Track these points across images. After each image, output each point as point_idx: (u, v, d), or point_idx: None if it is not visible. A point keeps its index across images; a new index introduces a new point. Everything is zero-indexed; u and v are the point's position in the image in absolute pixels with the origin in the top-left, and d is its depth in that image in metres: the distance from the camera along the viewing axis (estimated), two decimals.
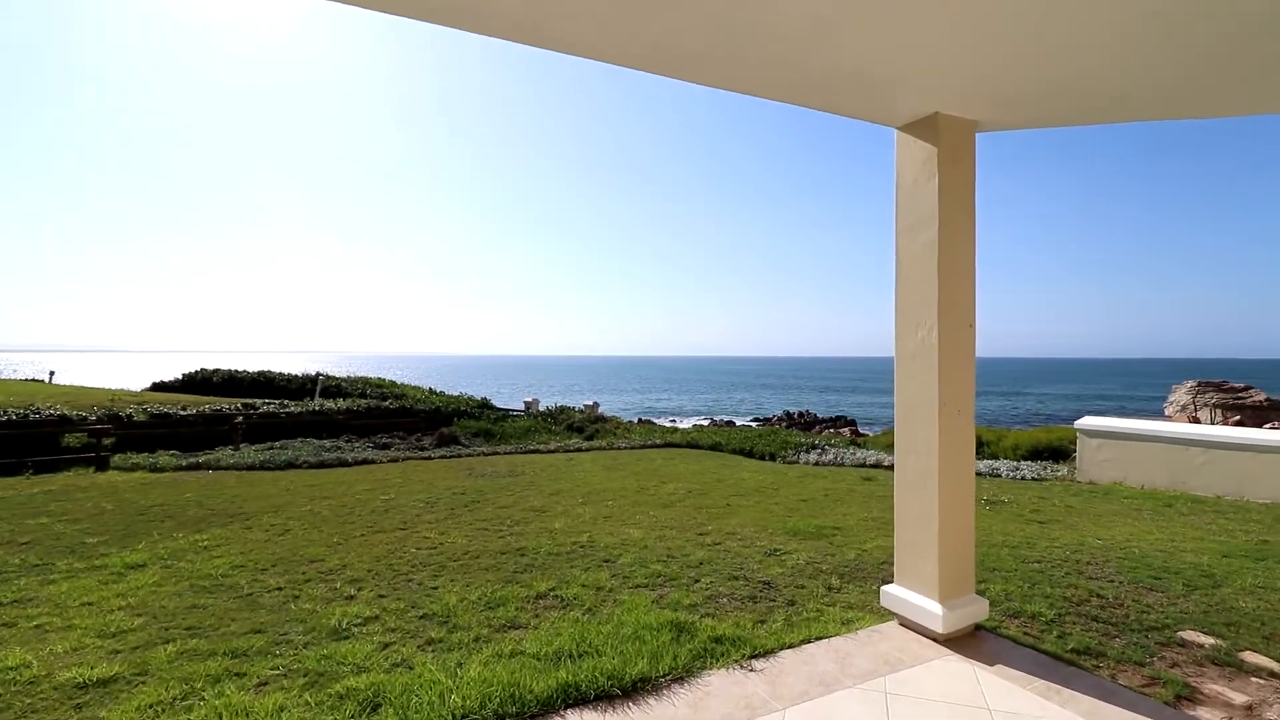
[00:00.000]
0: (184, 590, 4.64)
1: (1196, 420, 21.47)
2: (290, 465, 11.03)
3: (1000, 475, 10.73)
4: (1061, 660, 3.47)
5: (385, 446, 13.88)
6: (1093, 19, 2.66)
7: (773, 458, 12.36)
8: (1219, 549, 5.65)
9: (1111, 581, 4.77)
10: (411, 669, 3.30)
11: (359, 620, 3.99)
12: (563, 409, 16.63)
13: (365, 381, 23.09)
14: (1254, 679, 3.42)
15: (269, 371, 23.44)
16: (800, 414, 49.97)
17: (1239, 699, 3.21)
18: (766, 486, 8.48)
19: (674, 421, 50.40)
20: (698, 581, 4.70)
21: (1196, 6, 2.55)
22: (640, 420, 28.25)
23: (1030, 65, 3.13)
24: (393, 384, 23.70)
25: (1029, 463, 12.11)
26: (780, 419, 48.20)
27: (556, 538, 5.99)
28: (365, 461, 11.57)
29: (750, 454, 12.70)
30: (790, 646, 3.58)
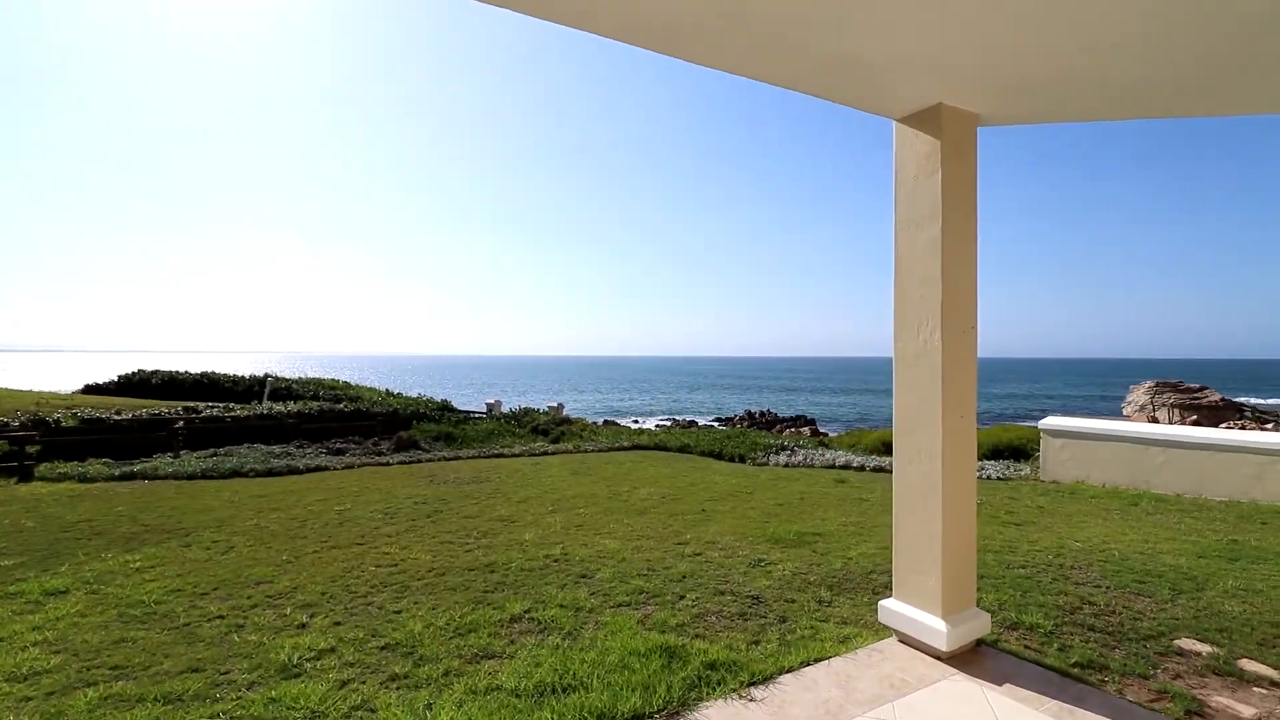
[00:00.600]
0: (111, 621, 4.14)
1: (1155, 420, 22.34)
2: (235, 474, 10.34)
3: None
4: (1070, 677, 3.33)
5: (340, 452, 13.22)
6: (1104, 8, 2.51)
7: (742, 459, 12.21)
8: (1193, 550, 5.68)
9: (1099, 587, 4.70)
10: (374, 712, 2.94)
11: (312, 654, 3.59)
12: (527, 411, 16.15)
13: (317, 383, 22.14)
14: (1256, 689, 3.34)
15: (213, 373, 22.25)
16: (762, 413, 50.47)
17: (1247, 712, 3.12)
18: (740, 490, 8.30)
19: (636, 422, 50.15)
20: (683, 598, 4.43)
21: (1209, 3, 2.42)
22: (605, 422, 27.91)
23: (1037, 56, 2.97)
24: (347, 385, 22.79)
25: (992, 462, 12.27)
26: (742, 419, 48.55)
27: (528, 551, 5.65)
28: (318, 469, 10.95)
29: (720, 456, 12.53)
30: (790, 670, 3.34)
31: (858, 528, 6.36)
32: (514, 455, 12.00)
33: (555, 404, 17.85)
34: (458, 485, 9.05)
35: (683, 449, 13.20)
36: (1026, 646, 3.71)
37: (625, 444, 13.79)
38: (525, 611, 4.16)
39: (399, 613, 4.21)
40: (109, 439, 12.66)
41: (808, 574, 4.97)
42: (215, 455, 12.01)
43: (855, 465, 11.34)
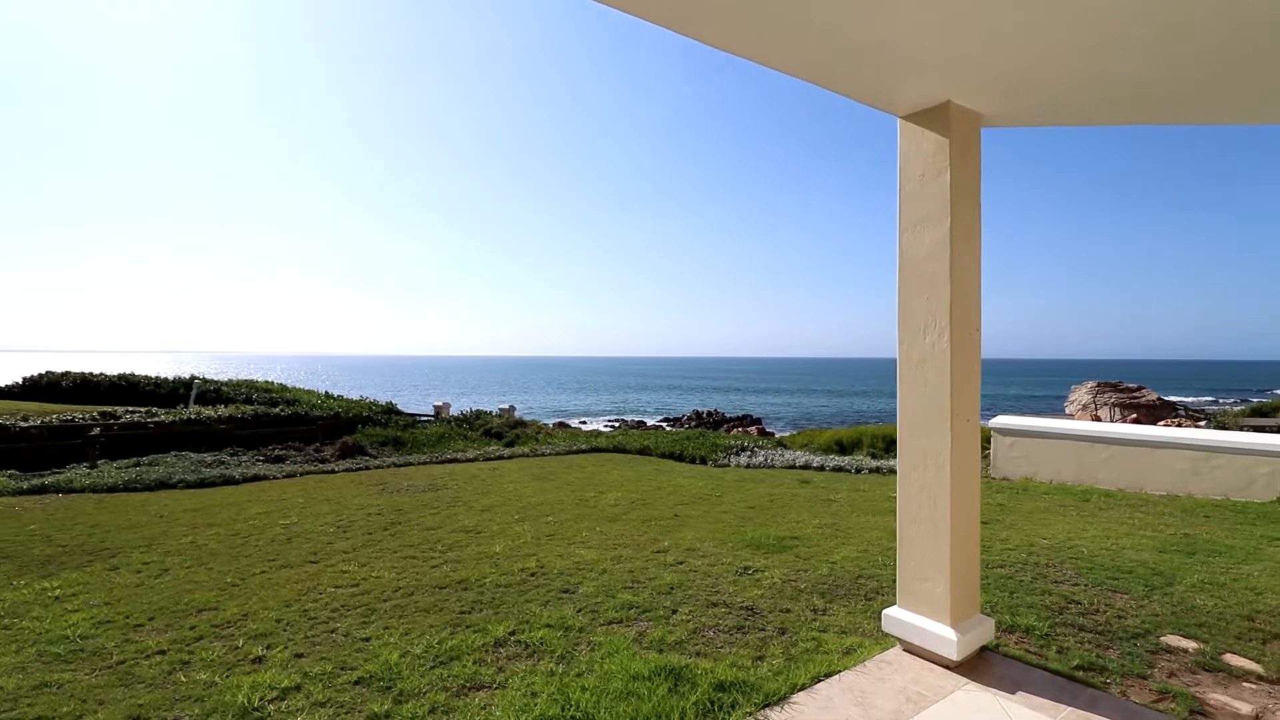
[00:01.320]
0: (29, 661, 3.61)
1: (1098, 418, 23.62)
2: (163, 485, 9.51)
3: None
4: (1077, 681, 3.31)
5: (279, 460, 12.40)
6: (1115, 9, 2.47)
7: (704, 461, 12.13)
8: (1152, 544, 5.89)
9: (1077, 585, 4.78)
10: None
11: (275, 693, 3.20)
12: (479, 413, 15.58)
13: (250, 385, 20.84)
14: (1245, 684, 3.41)
15: (132, 374, 20.62)
16: (709, 413, 50.95)
17: (1244, 709, 3.17)
18: (709, 493, 8.18)
19: (584, 423, 49.72)
20: (675, 611, 4.23)
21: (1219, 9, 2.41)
22: (557, 423, 27.48)
23: (1045, 55, 2.92)
24: (283, 387, 21.54)
25: None
26: (690, 418, 48.89)
27: (501, 564, 5.33)
28: (256, 478, 10.21)
29: (681, 457, 12.41)
30: (802, 688, 3.19)
31: (833, 530, 6.32)
32: (469, 460, 11.54)
33: (507, 406, 17.33)
34: (413, 493, 8.58)
35: (643, 451, 13.02)
36: (1028, 651, 3.69)
37: (583, 446, 13.50)
38: (510, 633, 3.87)
39: (368, 640, 3.84)
40: (15, 448, 11.49)
41: (796, 581, 4.85)
42: (139, 465, 11.05)
43: (816, 465, 11.43)
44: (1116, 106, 3.41)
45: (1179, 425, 18.12)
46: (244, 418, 14.66)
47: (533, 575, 5.04)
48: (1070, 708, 3.04)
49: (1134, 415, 22.78)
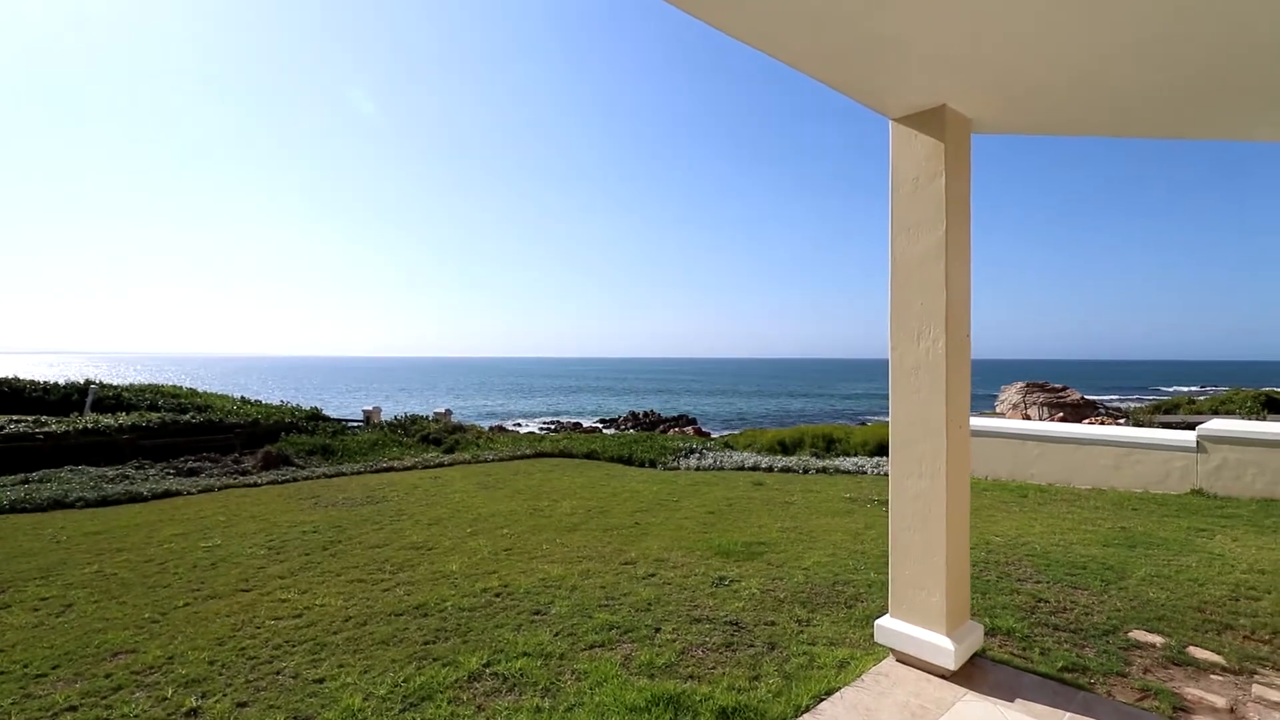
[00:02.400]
0: None
1: (1028, 417, 25.02)
2: (59, 504, 8.48)
3: (866, 472, 11.33)
4: (1068, 684, 3.34)
5: (193, 473, 11.35)
6: (1114, 18, 2.49)
7: (653, 464, 11.98)
8: (1095, 539, 6.17)
9: (1040, 583, 4.91)
10: None
11: None
12: (414, 418, 14.76)
13: (155, 390, 19.11)
14: (1214, 676, 3.54)
15: (15, 378, 18.49)
16: (646, 414, 51.00)
17: (1219, 701, 3.28)
18: (666, 499, 8.01)
19: (519, 425, 48.79)
20: (658, 630, 4.03)
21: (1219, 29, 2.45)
22: (494, 427, 26.71)
23: (1044, 64, 2.92)
24: (193, 392, 19.87)
25: (882, 458, 13.00)
26: (627, 420, 48.80)
27: (460, 585, 4.97)
28: (168, 494, 9.27)
29: (629, 461, 12.21)
30: (806, 710, 3.06)
31: (798, 534, 6.29)
32: (407, 469, 10.88)
33: (443, 409, 16.45)
34: (350, 507, 7.98)
35: (590, 455, 12.73)
36: (1013, 654, 3.71)
37: (528, 451, 13.05)
38: (485, 665, 3.56)
39: (322, 681, 3.43)
40: None
41: (774, 590, 4.75)
42: (28, 482, 9.83)
43: (764, 466, 11.51)
44: (1112, 117, 3.47)
45: (1101, 423, 19.52)
46: (150, 426, 13.36)
47: (497, 596, 4.71)
48: (1068, 712, 3.04)
49: (1060, 414, 24.42)
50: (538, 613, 4.36)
